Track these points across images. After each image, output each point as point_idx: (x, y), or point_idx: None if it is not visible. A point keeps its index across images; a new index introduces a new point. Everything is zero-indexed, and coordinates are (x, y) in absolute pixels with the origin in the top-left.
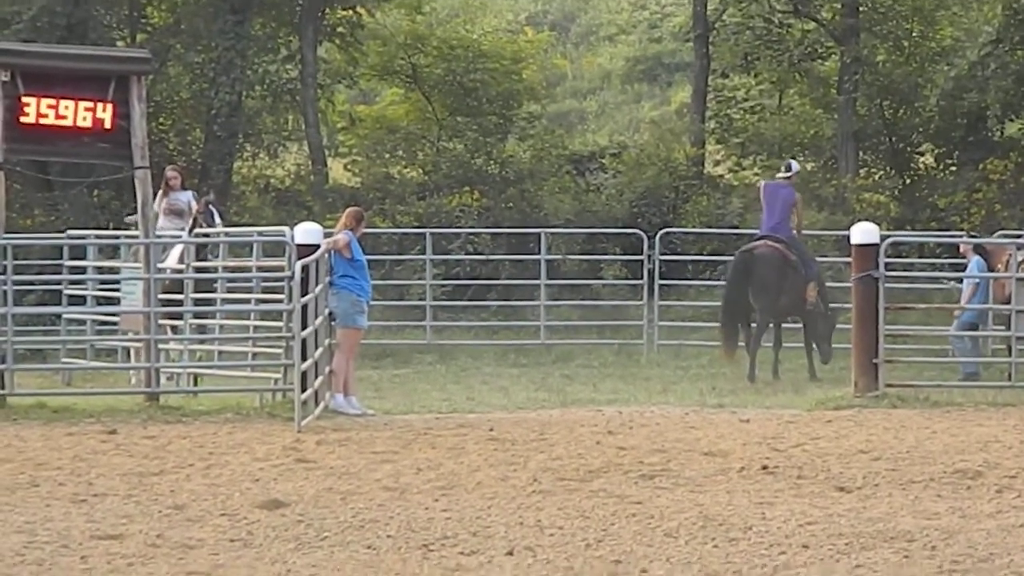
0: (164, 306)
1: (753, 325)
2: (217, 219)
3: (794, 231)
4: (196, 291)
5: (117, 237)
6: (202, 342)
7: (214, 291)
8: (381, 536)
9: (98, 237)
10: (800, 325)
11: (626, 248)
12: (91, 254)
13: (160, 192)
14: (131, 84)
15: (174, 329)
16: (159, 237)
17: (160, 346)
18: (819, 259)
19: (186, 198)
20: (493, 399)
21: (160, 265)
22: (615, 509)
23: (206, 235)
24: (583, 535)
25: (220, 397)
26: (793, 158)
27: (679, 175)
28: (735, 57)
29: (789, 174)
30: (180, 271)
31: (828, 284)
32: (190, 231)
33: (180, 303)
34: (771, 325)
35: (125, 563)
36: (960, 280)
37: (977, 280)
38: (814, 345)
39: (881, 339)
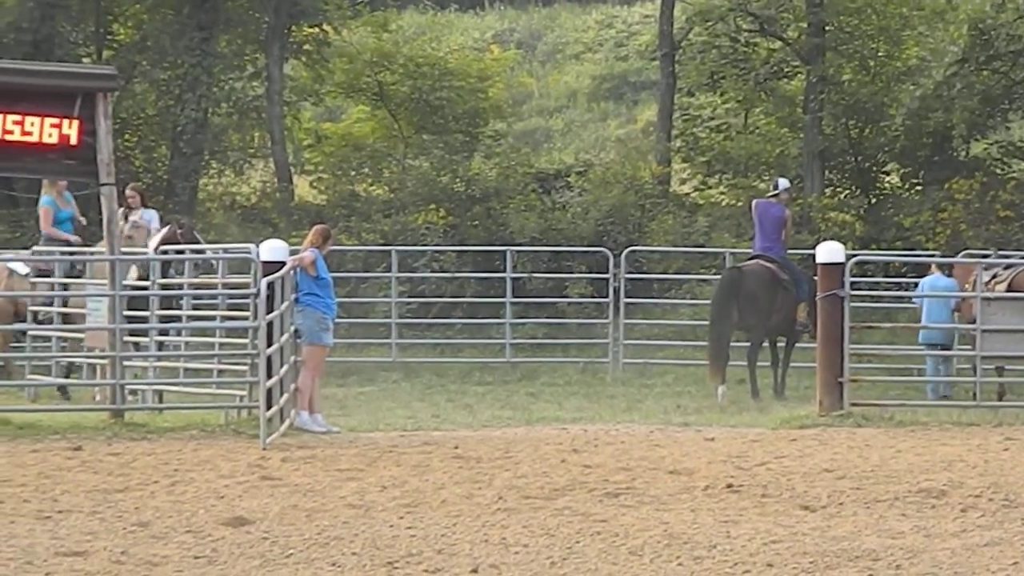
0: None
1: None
2: (202, 243)
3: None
4: (161, 308)
5: (83, 254)
6: (167, 359)
7: (179, 308)
8: (346, 553)
9: (63, 253)
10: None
11: (592, 266)
12: (57, 271)
13: (125, 210)
14: (97, 101)
15: (136, 346)
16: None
17: (125, 363)
18: None
19: (149, 217)
20: (458, 417)
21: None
22: (580, 527)
23: (179, 252)
24: (548, 553)
25: (185, 414)
26: (782, 176)
27: (645, 193)
28: (701, 76)
29: (778, 191)
30: (141, 288)
31: None
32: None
33: (141, 319)
34: (765, 344)
35: None
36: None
37: (926, 298)
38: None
39: (846, 358)
